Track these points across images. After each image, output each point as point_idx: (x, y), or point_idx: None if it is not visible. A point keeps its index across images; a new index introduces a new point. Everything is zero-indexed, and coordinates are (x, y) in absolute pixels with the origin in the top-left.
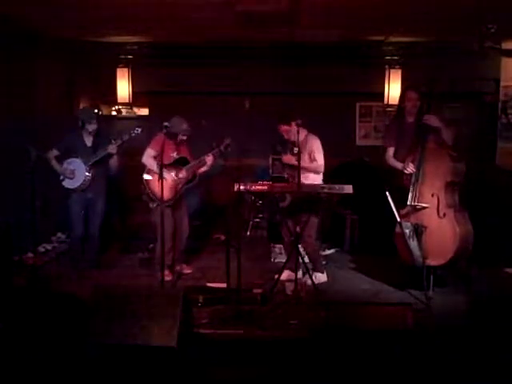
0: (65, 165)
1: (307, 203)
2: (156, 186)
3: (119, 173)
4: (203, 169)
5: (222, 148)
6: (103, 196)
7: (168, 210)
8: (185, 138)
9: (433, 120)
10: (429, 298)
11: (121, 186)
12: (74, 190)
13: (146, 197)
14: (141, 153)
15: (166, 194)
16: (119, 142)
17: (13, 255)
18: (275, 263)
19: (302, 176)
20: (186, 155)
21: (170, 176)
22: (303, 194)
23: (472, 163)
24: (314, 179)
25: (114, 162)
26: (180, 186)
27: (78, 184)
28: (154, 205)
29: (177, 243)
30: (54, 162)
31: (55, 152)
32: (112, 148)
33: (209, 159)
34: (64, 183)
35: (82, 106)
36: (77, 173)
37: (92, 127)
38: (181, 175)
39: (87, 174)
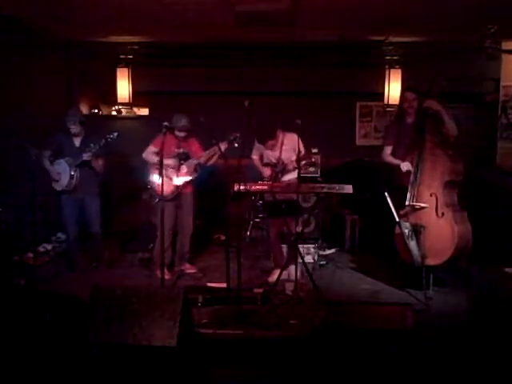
0: (54, 166)
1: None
2: (157, 182)
3: (105, 174)
4: (215, 157)
5: (231, 139)
6: (96, 196)
7: (170, 208)
8: (182, 134)
9: (433, 103)
10: (428, 297)
11: (112, 185)
12: (63, 192)
13: (149, 193)
14: (140, 153)
15: (167, 189)
16: (93, 149)
17: (13, 255)
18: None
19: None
20: (193, 151)
21: (171, 173)
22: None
23: (472, 163)
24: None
25: (97, 163)
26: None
27: (64, 186)
28: (156, 200)
29: (180, 242)
30: (46, 163)
31: (48, 152)
32: (87, 156)
33: (223, 146)
34: (53, 185)
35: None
36: (62, 174)
37: (73, 130)
38: (182, 170)
39: (71, 174)
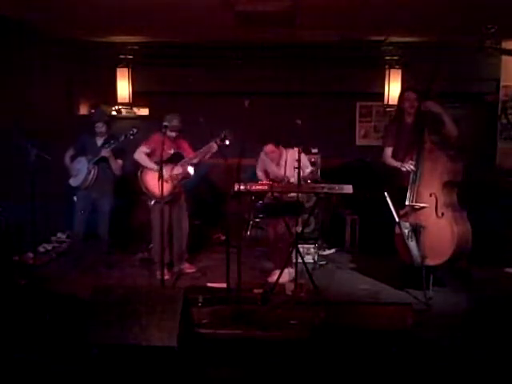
0: (74, 163)
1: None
2: (152, 183)
3: (124, 174)
4: (207, 157)
5: (221, 136)
6: (109, 196)
7: (166, 208)
8: (173, 134)
9: (433, 105)
10: (428, 297)
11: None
12: (78, 188)
13: (145, 194)
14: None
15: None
16: (112, 145)
17: (13, 255)
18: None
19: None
20: (185, 151)
21: (164, 172)
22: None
23: (472, 163)
24: None
25: (116, 164)
26: (175, 181)
27: (80, 182)
28: (152, 202)
29: (177, 242)
30: (67, 161)
31: (71, 151)
32: (105, 152)
33: (214, 146)
34: (70, 181)
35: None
36: (80, 170)
37: (98, 128)
38: (176, 171)
39: (88, 172)
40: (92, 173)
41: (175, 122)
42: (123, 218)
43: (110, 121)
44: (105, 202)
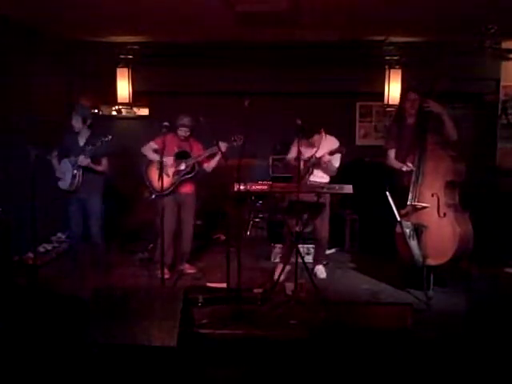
0: (61, 165)
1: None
2: (155, 178)
3: (110, 176)
4: (215, 159)
5: (231, 139)
6: (98, 196)
7: (171, 208)
8: (183, 133)
9: (434, 105)
10: (429, 297)
11: (118, 185)
12: (67, 191)
13: (147, 189)
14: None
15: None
16: (90, 151)
17: (13, 255)
18: (275, 263)
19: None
20: (195, 151)
21: (168, 169)
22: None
23: (472, 163)
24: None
25: (98, 167)
26: (176, 177)
27: (68, 184)
28: (153, 196)
29: (180, 243)
30: (54, 162)
31: (55, 153)
32: (82, 160)
33: (223, 146)
34: (59, 183)
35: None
36: (66, 173)
37: (74, 126)
38: (180, 167)
39: (74, 174)
40: (77, 176)
41: (185, 121)
42: (120, 218)
43: (88, 118)
44: (95, 202)
